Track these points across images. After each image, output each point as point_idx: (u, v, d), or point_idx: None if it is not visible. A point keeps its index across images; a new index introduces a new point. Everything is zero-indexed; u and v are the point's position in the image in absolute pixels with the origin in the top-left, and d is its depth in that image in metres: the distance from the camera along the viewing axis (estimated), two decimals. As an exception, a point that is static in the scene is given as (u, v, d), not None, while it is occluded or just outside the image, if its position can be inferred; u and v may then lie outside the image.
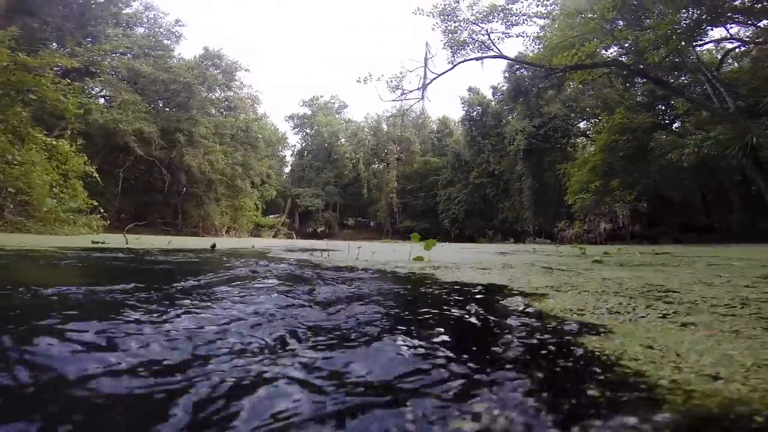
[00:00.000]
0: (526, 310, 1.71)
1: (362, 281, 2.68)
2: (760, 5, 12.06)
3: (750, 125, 13.71)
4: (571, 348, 1.12)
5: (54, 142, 17.51)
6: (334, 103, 64.16)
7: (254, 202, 43.68)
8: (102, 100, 29.86)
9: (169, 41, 36.28)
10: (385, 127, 58.06)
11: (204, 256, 5.25)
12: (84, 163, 18.23)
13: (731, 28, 15.78)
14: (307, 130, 60.71)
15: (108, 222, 21.20)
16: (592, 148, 28.88)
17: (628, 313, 1.60)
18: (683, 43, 12.69)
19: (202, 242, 12.83)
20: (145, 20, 35.32)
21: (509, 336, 1.25)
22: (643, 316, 1.53)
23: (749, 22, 14.33)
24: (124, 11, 33.45)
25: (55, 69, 19.06)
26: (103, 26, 30.02)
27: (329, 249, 7.98)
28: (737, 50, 17.91)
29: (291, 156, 63.80)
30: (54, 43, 26.32)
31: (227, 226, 39.02)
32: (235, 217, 40.30)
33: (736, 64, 18.81)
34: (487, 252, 9.55)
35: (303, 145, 61.43)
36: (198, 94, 33.73)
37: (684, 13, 11.86)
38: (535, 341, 1.19)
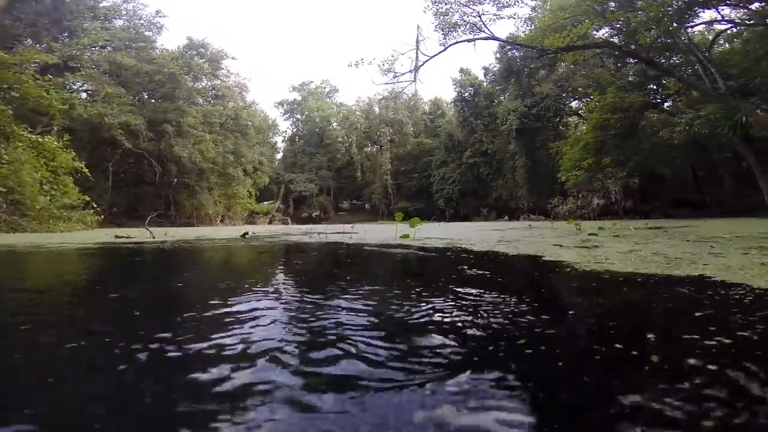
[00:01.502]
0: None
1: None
2: (751, -13, 11.99)
3: (740, 104, 13.79)
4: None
5: (40, 139, 17.19)
6: (324, 87, 62.99)
7: (247, 189, 43.40)
8: (84, 95, 29.28)
9: (151, 32, 35.42)
10: (377, 110, 57.31)
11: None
12: (72, 158, 17.98)
13: (723, 10, 15.60)
14: (298, 116, 59.81)
15: (102, 217, 21.06)
16: (584, 127, 28.90)
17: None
18: (675, 25, 12.57)
19: (219, 232, 12.69)
20: (124, 12, 34.36)
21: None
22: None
23: (741, 4, 14.19)
24: (101, 4, 32.65)
25: (33, 65, 18.52)
26: (79, 20, 29.23)
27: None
28: (729, 32, 17.74)
29: (282, 142, 63.10)
30: (29, 39, 25.56)
31: (221, 215, 38.91)
32: (228, 206, 40.12)
33: (727, 45, 18.67)
34: (485, 229, 9.70)
35: (294, 130, 60.60)
36: (184, 84, 32.97)
37: (676, -6, 11.75)
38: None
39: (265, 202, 54.28)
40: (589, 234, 5.06)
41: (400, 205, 52.87)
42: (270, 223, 45.96)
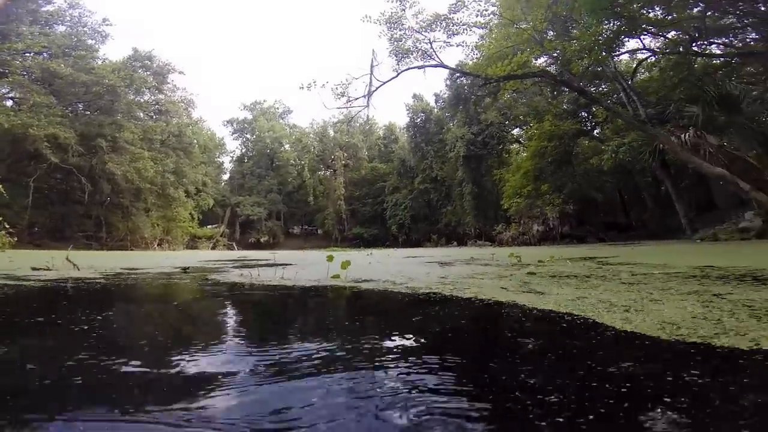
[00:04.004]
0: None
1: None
2: (669, 17, 13.72)
3: (657, 131, 15.46)
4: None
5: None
6: (277, 107, 62.34)
7: (189, 212, 41.02)
8: (10, 103, 26.76)
9: (94, 41, 33.46)
10: (331, 133, 57.35)
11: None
12: (-18, 171, 15.94)
13: (644, 38, 17.62)
14: (248, 136, 58.41)
15: (16, 238, 18.69)
16: (524, 154, 30.82)
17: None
18: (604, 54, 14.04)
19: (152, 259, 11.18)
20: (68, 18, 32.52)
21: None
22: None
23: (660, 33, 16.19)
24: (43, 8, 30.92)
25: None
26: (15, 24, 27.32)
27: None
28: (649, 60, 19.91)
29: (230, 162, 60.94)
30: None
31: (159, 239, 36.14)
32: (168, 229, 37.49)
33: (648, 74, 20.92)
34: (430, 262, 9.50)
35: (243, 151, 58.95)
36: (124, 97, 31.05)
37: (606, 24, 13.09)
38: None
39: (209, 226, 51.47)
40: (528, 273, 5.03)
41: (354, 231, 52.58)
42: (214, 248, 43.41)
